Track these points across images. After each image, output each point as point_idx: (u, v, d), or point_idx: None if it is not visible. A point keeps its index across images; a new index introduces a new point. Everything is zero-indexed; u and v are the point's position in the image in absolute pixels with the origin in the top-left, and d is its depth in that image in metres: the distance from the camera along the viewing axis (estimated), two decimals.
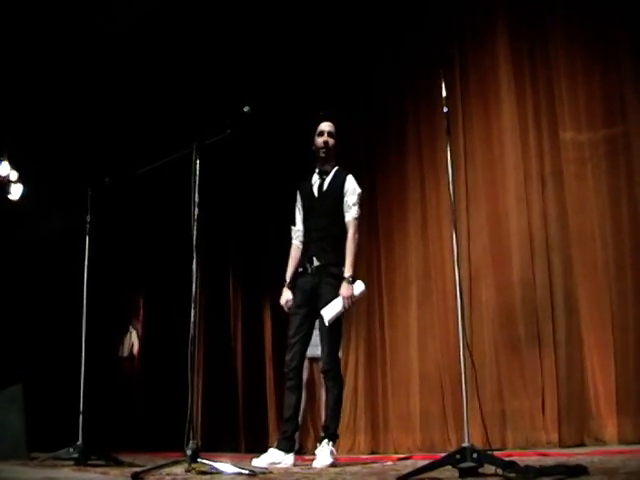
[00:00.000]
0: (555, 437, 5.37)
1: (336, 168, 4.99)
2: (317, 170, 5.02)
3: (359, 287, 4.70)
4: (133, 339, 11.25)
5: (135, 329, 11.29)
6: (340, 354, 5.12)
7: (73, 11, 7.70)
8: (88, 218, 5.46)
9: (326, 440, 4.63)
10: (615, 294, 5.28)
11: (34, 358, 9.23)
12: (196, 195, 4.06)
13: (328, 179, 4.94)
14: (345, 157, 5.23)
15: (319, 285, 4.73)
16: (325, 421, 4.81)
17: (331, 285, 4.70)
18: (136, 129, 9.47)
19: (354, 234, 4.78)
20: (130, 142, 9.42)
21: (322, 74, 7.79)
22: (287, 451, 4.58)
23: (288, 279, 4.95)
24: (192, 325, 3.87)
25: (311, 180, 5.03)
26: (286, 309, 4.90)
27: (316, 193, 4.95)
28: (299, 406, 4.79)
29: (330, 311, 4.58)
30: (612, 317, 5.25)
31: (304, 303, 4.74)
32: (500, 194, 6.15)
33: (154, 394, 10.14)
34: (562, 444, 5.32)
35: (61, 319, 8.89)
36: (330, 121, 4.98)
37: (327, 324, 4.59)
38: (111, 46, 8.30)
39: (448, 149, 3.38)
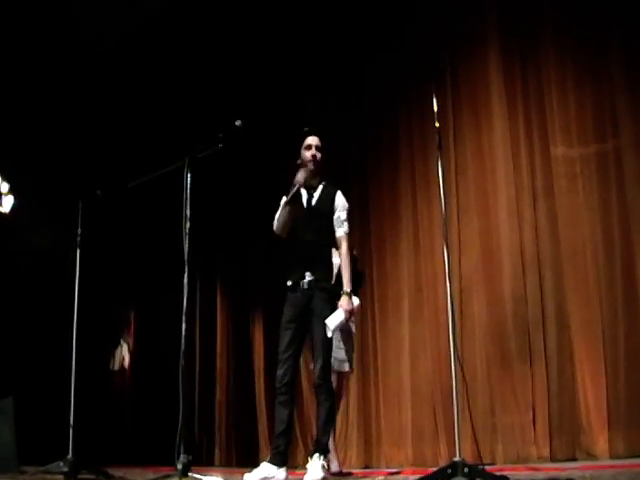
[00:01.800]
0: (546, 451, 5.37)
1: (323, 183, 4.97)
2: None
3: (356, 301, 4.72)
4: (124, 352, 11.20)
5: (126, 342, 11.24)
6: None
7: (66, 24, 7.72)
8: (79, 231, 5.45)
9: (317, 454, 4.60)
10: (606, 308, 5.29)
11: (24, 371, 9.17)
12: (188, 209, 4.06)
13: (316, 194, 4.92)
14: (337, 170, 5.23)
15: (312, 300, 4.71)
16: (316, 435, 4.79)
17: (324, 300, 4.67)
18: (128, 142, 9.47)
19: (347, 249, 4.78)
20: (122, 155, 9.43)
21: (314, 88, 7.82)
22: (280, 465, 4.54)
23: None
24: (183, 338, 3.86)
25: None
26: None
27: (305, 208, 4.93)
28: (292, 420, 4.77)
29: (333, 321, 4.55)
30: (603, 331, 5.25)
31: (296, 318, 4.71)
32: (491, 208, 6.16)
33: (145, 408, 10.09)
34: (553, 458, 5.32)
35: (52, 332, 8.85)
36: (316, 136, 4.97)
37: (330, 334, 4.55)
38: (104, 59, 8.33)
39: (439, 164, 3.38)
